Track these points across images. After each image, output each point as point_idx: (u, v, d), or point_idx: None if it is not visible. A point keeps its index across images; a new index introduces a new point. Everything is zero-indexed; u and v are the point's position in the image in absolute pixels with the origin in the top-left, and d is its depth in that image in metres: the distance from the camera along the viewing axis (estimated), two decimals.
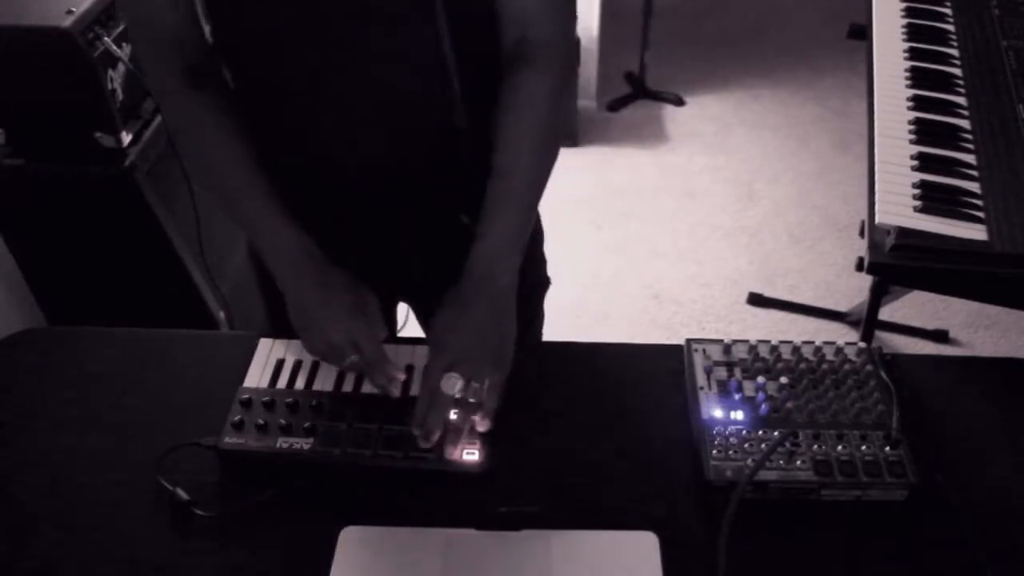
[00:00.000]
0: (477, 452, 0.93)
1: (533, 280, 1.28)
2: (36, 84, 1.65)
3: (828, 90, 3.56)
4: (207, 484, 0.93)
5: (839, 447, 0.92)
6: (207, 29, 1.00)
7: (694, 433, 0.96)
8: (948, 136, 1.37)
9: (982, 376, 1.08)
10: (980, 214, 1.22)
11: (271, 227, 1.00)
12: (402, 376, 0.99)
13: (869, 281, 1.75)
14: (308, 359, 1.04)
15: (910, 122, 1.40)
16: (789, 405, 0.96)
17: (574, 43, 1.06)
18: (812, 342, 1.03)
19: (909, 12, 1.68)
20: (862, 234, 1.27)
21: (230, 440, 0.94)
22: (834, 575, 0.86)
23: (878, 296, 1.76)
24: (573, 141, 3.26)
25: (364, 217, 1.11)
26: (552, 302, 1.33)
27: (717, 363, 1.02)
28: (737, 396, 0.97)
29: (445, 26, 0.92)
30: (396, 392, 0.98)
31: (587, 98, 3.37)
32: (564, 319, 2.48)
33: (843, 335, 2.50)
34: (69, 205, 1.83)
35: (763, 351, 1.03)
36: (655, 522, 0.88)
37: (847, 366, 1.01)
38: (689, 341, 1.05)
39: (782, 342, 1.04)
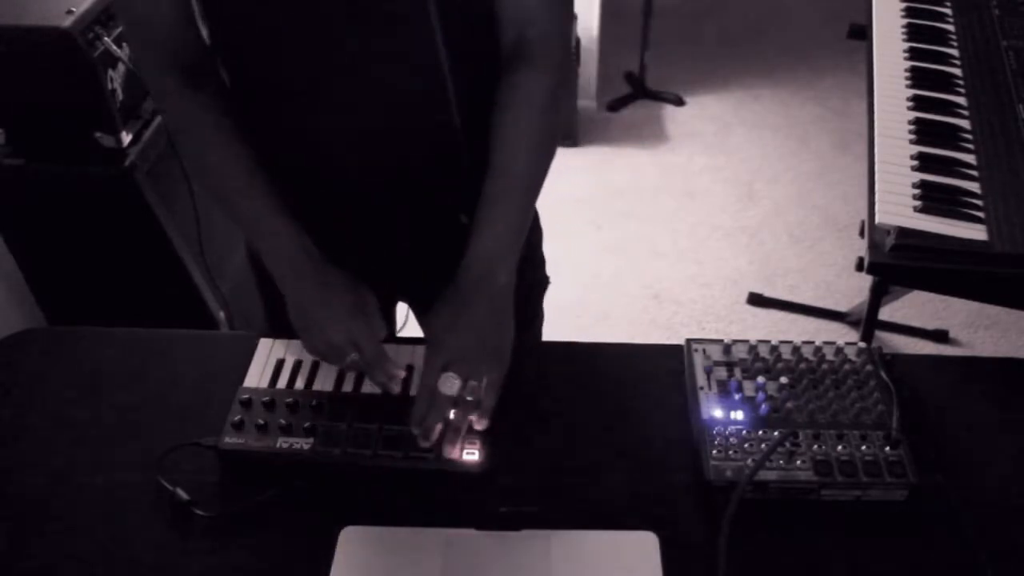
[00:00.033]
0: (477, 452, 0.93)
1: (532, 280, 1.28)
2: (36, 84, 1.65)
3: (828, 90, 3.56)
4: (207, 484, 0.93)
5: (839, 447, 0.92)
6: (204, 31, 1.00)
7: (694, 433, 0.96)
8: (948, 136, 1.37)
9: (982, 376, 1.08)
10: (980, 214, 1.22)
11: (270, 227, 1.00)
12: (402, 374, 0.99)
13: (869, 281, 1.75)
14: (308, 359, 1.04)
15: (910, 122, 1.40)
16: (789, 405, 0.96)
17: (571, 42, 1.06)
18: (812, 342, 1.03)
19: (909, 12, 1.68)
20: (862, 234, 1.27)
21: (230, 440, 0.94)
22: (834, 575, 0.86)
23: (878, 296, 1.76)
24: (573, 141, 3.26)
25: (363, 217, 1.11)
26: (552, 302, 1.33)
27: (717, 363, 1.02)
28: (737, 396, 0.97)
29: (438, 25, 0.92)
30: (397, 390, 0.98)
31: (587, 98, 3.37)
32: (564, 319, 2.48)
33: (843, 335, 2.50)
34: (69, 205, 1.83)
35: (763, 351, 1.03)
36: (655, 522, 0.88)
37: (847, 366, 1.01)
38: (689, 341, 1.05)
39: (782, 342, 1.04)
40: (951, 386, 1.05)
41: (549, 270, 1.31)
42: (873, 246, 1.23)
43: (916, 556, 0.87)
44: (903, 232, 1.20)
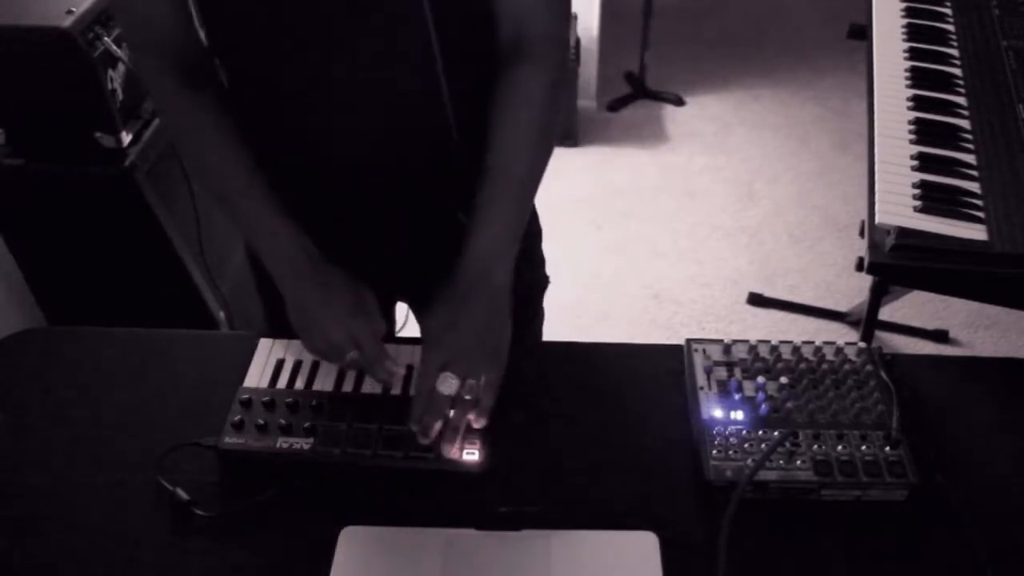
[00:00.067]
0: (477, 452, 0.93)
1: (532, 279, 1.29)
2: (36, 84, 1.65)
3: (828, 90, 3.56)
4: (207, 484, 0.93)
5: (839, 447, 0.92)
6: (202, 32, 1.00)
7: (694, 433, 0.96)
8: (948, 136, 1.37)
9: (982, 376, 1.08)
10: (980, 214, 1.22)
11: (269, 227, 1.00)
12: (402, 371, 0.99)
13: (869, 281, 1.75)
14: (308, 359, 1.04)
15: (910, 122, 1.40)
16: (789, 405, 0.96)
17: (569, 39, 1.05)
18: (812, 342, 1.03)
19: (909, 12, 1.68)
20: (862, 234, 1.27)
21: (230, 440, 0.94)
22: (834, 575, 0.86)
23: (878, 296, 1.76)
24: (573, 141, 3.26)
25: (363, 217, 1.11)
26: (552, 302, 1.33)
27: (717, 363, 1.02)
28: (737, 396, 0.97)
29: (433, 25, 0.92)
30: (397, 388, 0.98)
31: (587, 98, 3.37)
32: (564, 319, 2.48)
33: (843, 335, 2.50)
34: (69, 205, 1.83)
35: (763, 351, 1.03)
36: (655, 522, 0.88)
37: (847, 366, 1.01)
38: (689, 341, 1.05)
39: (782, 342, 1.04)
40: (951, 386, 1.05)
41: (549, 270, 1.31)
42: (873, 246, 1.23)
43: (916, 556, 0.87)
44: (903, 232, 1.20)
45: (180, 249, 1.86)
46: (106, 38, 1.63)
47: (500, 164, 1.00)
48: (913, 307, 2.54)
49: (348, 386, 1.01)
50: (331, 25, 0.93)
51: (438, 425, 0.91)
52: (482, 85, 1.01)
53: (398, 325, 1.34)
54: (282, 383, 1.02)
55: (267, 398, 0.98)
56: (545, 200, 1.21)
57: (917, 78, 1.50)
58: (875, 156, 1.35)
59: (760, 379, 0.99)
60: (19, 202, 1.85)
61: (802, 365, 1.01)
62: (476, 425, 0.93)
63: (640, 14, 3.34)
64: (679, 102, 3.50)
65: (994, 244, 1.17)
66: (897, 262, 1.20)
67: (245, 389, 1.00)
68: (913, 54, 1.56)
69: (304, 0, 0.91)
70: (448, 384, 0.91)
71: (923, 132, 1.38)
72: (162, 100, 1.05)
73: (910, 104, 1.44)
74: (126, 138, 1.73)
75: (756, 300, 2.61)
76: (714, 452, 0.92)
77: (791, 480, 0.89)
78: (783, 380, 0.98)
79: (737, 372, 1.00)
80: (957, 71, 1.51)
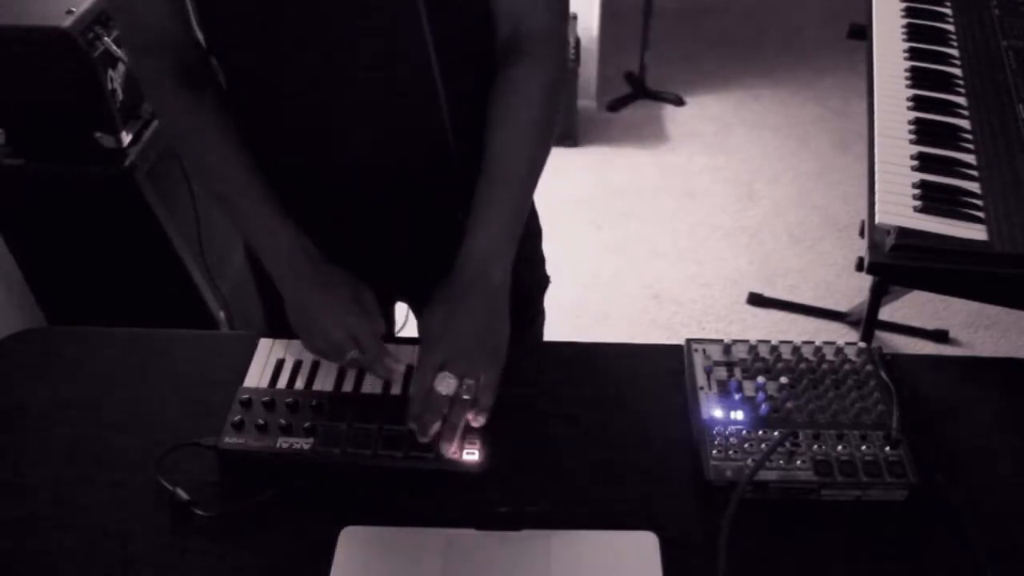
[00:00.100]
0: (477, 452, 0.93)
1: (532, 279, 1.29)
2: (36, 84, 1.66)
3: (828, 90, 3.56)
4: (207, 484, 0.93)
5: (839, 447, 0.92)
6: (200, 33, 1.00)
7: (694, 433, 0.96)
8: (948, 136, 1.37)
9: (982, 376, 1.08)
10: (980, 214, 1.22)
11: (269, 227, 1.00)
12: (403, 369, 0.99)
13: (869, 281, 1.75)
14: (308, 359, 1.04)
15: (910, 122, 1.40)
16: (789, 405, 0.96)
17: (567, 37, 1.05)
18: (812, 342, 1.03)
19: (909, 12, 1.68)
20: (862, 234, 1.27)
21: (230, 440, 0.94)
22: (834, 575, 0.86)
23: (878, 296, 1.76)
24: (573, 141, 3.26)
25: (362, 217, 1.11)
26: (552, 302, 1.33)
27: (717, 363, 1.02)
28: (737, 396, 0.97)
29: (428, 26, 0.92)
30: (398, 387, 0.98)
31: (587, 98, 3.38)
32: (564, 319, 2.48)
33: (843, 335, 2.50)
34: (69, 205, 1.83)
35: (763, 351, 1.03)
36: (655, 522, 0.88)
37: (847, 366, 1.01)
38: (689, 341, 1.05)
39: (782, 342, 1.03)
40: (951, 386, 1.05)
41: (549, 270, 1.31)
42: (873, 246, 1.23)
43: (916, 556, 0.87)
44: (903, 232, 1.20)
45: (180, 249, 1.86)
46: (106, 38, 1.63)
47: (498, 163, 0.99)
48: (913, 307, 2.54)
49: (348, 386, 1.01)
50: (328, 25, 0.93)
51: (437, 424, 0.91)
52: (479, 85, 1.01)
53: (398, 325, 1.34)
54: (282, 383, 1.02)
55: (267, 398, 0.98)
56: (545, 200, 1.21)
57: (917, 78, 1.50)
58: (875, 156, 1.35)
59: (760, 379, 0.99)
60: (19, 202, 1.85)
61: (802, 365, 1.01)
62: (475, 424, 0.93)
63: (640, 14, 3.34)
64: (679, 102, 3.50)
65: (994, 244, 1.17)
66: (897, 262, 1.20)
67: (245, 389, 1.00)
68: (913, 54, 1.56)
69: (301, 1, 0.91)
70: (446, 384, 0.91)
71: (923, 132, 1.38)
72: (161, 101, 1.05)
73: (910, 104, 1.44)
74: (126, 138, 1.73)
75: (756, 300, 2.61)
76: (714, 452, 0.92)
77: (791, 480, 0.89)
78: (783, 380, 0.98)
79: (737, 372, 1.00)
80: (957, 71, 1.52)
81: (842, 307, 2.57)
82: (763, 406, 0.96)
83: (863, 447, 0.92)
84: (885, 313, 2.37)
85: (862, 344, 1.03)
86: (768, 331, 2.52)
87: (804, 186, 3.08)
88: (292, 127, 1.03)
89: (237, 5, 0.93)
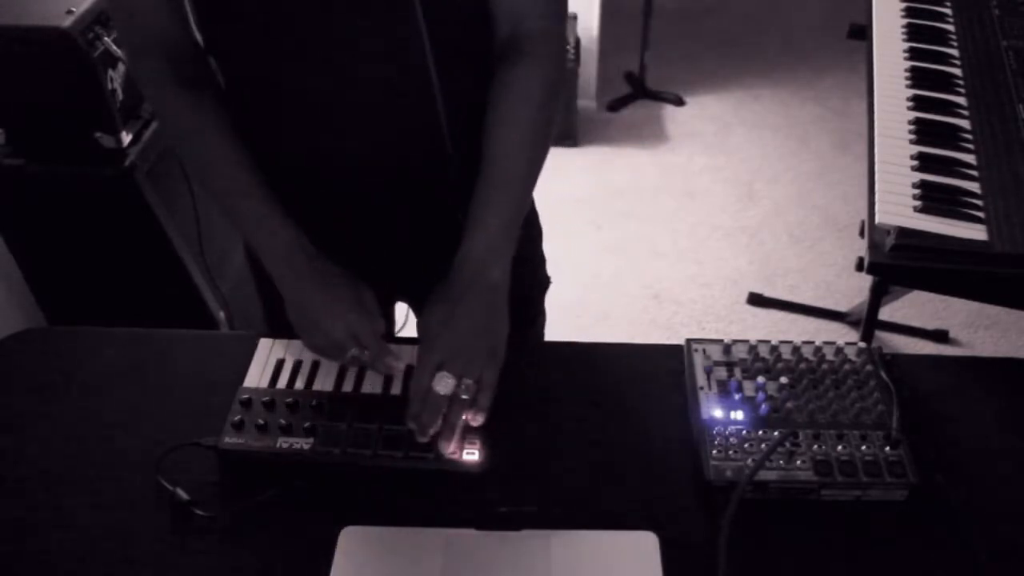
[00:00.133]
0: (477, 452, 0.93)
1: (532, 279, 1.29)
2: (36, 84, 1.66)
3: (828, 90, 3.56)
4: (207, 484, 0.93)
5: (839, 447, 0.92)
6: (198, 34, 1.00)
7: (694, 433, 0.96)
8: (948, 136, 1.37)
9: (982, 376, 1.08)
10: (980, 214, 1.22)
11: (268, 227, 1.00)
12: (403, 366, 0.99)
13: (869, 281, 1.75)
14: (308, 359, 1.04)
15: (910, 122, 1.40)
16: (789, 405, 0.96)
17: (566, 36, 1.05)
18: (812, 342, 1.03)
19: (909, 12, 1.68)
20: (862, 234, 1.27)
21: (230, 440, 0.94)
22: (834, 575, 0.86)
23: (878, 296, 1.76)
24: (573, 141, 3.26)
25: (363, 217, 1.11)
26: (552, 302, 1.33)
27: (717, 363, 1.02)
28: (737, 396, 0.97)
29: (424, 26, 0.92)
30: (398, 387, 0.98)
31: (587, 98, 3.38)
32: (564, 319, 2.48)
33: (843, 335, 2.50)
34: (69, 205, 1.83)
35: (763, 351, 1.03)
36: (655, 522, 0.88)
37: (847, 366, 1.01)
38: (689, 341, 1.05)
39: (782, 342, 1.04)
40: (951, 386, 1.05)
41: (549, 270, 1.31)
42: (873, 246, 1.23)
43: (916, 556, 0.87)
44: (903, 232, 1.20)
45: (180, 249, 1.86)
46: (106, 38, 1.63)
47: (497, 163, 0.99)
48: (913, 307, 2.54)
49: (348, 386, 1.01)
50: (326, 26, 0.93)
51: (436, 424, 0.91)
52: (476, 85, 1.01)
53: (398, 325, 1.34)
54: (282, 383, 1.02)
55: (267, 398, 0.98)
56: (545, 200, 1.21)
57: (917, 78, 1.50)
58: (875, 156, 1.35)
59: (760, 379, 0.99)
60: (19, 202, 1.85)
61: (802, 365, 1.01)
62: (474, 424, 0.93)
63: (640, 14, 3.34)
64: (679, 102, 3.50)
65: (994, 244, 1.17)
66: (897, 262, 1.20)
67: (245, 389, 1.00)
68: (913, 54, 1.56)
69: (300, 1, 0.91)
70: (444, 383, 0.91)
71: (923, 132, 1.38)
72: (161, 101, 1.04)
73: (910, 104, 1.44)
74: (126, 138, 1.73)
75: (756, 300, 2.61)
76: (714, 452, 0.92)
77: (791, 480, 0.89)
78: (783, 380, 0.98)
79: (737, 372, 1.00)
80: (957, 71, 1.52)
81: (842, 307, 2.57)
82: (763, 406, 0.96)
83: (863, 447, 0.92)
84: (885, 313, 2.37)
85: (862, 344, 1.03)
86: (768, 331, 2.52)
87: (804, 186, 3.08)
88: (290, 127, 1.03)
89: (235, 6, 0.93)
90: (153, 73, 1.00)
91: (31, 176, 1.77)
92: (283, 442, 0.93)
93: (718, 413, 0.96)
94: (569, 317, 2.53)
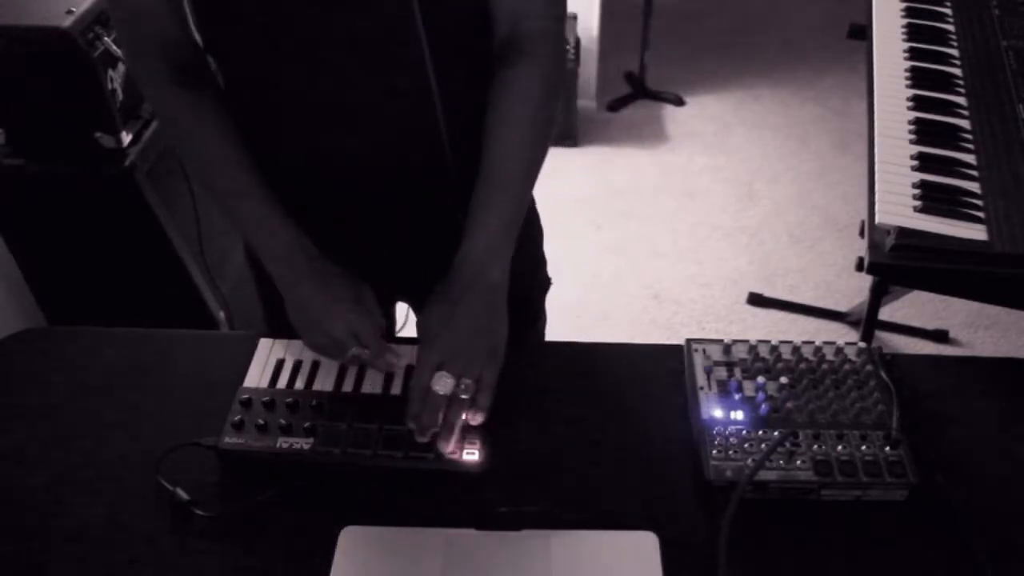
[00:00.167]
0: (477, 452, 0.93)
1: (533, 280, 1.29)
2: (36, 84, 1.66)
3: (828, 90, 3.56)
4: (207, 484, 0.93)
5: (839, 447, 0.92)
6: (198, 35, 1.00)
7: (694, 433, 0.96)
8: (948, 136, 1.37)
9: (982, 376, 1.08)
10: (980, 214, 1.22)
11: (268, 227, 1.00)
12: (403, 364, 0.99)
13: (869, 281, 1.75)
14: (308, 359, 1.04)
15: (910, 122, 1.40)
16: (789, 405, 0.96)
17: (565, 35, 1.05)
18: (812, 342, 1.03)
19: (909, 12, 1.68)
20: (862, 234, 1.27)
21: (230, 440, 0.94)
22: (834, 575, 0.86)
23: (878, 296, 1.76)
24: (573, 141, 3.26)
25: (363, 217, 1.11)
26: (552, 302, 1.33)
27: (717, 363, 1.02)
28: (737, 396, 0.97)
29: (421, 24, 0.92)
30: (398, 387, 0.99)
31: (587, 98, 3.37)
32: (564, 319, 2.48)
33: (843, 335, 2.50)
34: (69, 205, 1.83)
35: (763, 351, 1.03)
36: (655, 522, 0.88)
37: (847, 366, 1.01)
38: (689, 341, 1.05)
39: (782, 342, 1.04)
40: (951, 386, 1.05)
41: (549, 270, 1.31)
42: (873, 246, 1.23)
43: (916, 556, 0.87)
44: (903, 232, 1.20)
45: (180, 249, 1.86)
46: (106, 38, 1.63)
47: (496, 163, 1.00)
48: (913, 307, 2.54)
49: (348, 386, 1.01)
50: (325, 26, 0.93)
51: (435, 424, 0.91)
52: (475, 85, 1.01)
53: (398, 325, 1.34)
54: (282, 383, 1.02)
55: (267, 398, 0.98)
56: (545, 200, 1.21)
57: (917, 78, 1.50)
58: (875, 156, 1.35)
59: (760, 379, 0.99)
60: (19, 202, 1.85)
61: (802, 365, 1.01)
62: (473, 423, 0.93)
63: (640, 14, 3.34)
64: (679, 102, 3.50)
65: (994, 244, 1.17)
66: (897, 262, 1.20)
67: (245, 389, 1.00)
68: (913, 54, 1.56)
69: (299, 2, 0.91)
70: (443, 383, 0.91)
71: (923, 132, 1.38)
72: (160, 101, 1.04)
73: (910, 104, 1.44)
74: (126, 138, 1.73)
75: (756, 300, 2.61)
76: (714, 452, 0.92)
77: (791, 480, 0.89)
78: (783, 380, 0.98)
79: (737, 372, 1.00)
80: (957, 71, 1.52)
81: (842, 307, 2.57)
82: (763, 406, 0.96)
83: (863, 447, 0.92)
84: (885, 313, 2.37)
85: (862, 344, 1.03)
86: (768, 331, 2.52)
87: (804, 186, 3.08)
88: (290, 127, 1.03)
89: (235, 6, 0.93)
90: (153, 73, 1.00)
91: (31, 176, 1.77)
92: (283, 442, 0.93)
93: (718, 413, 0.96)
94: (569, 317, 2.53)
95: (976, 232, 1.19)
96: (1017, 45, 1.53)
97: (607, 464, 0.96)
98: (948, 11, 1.67)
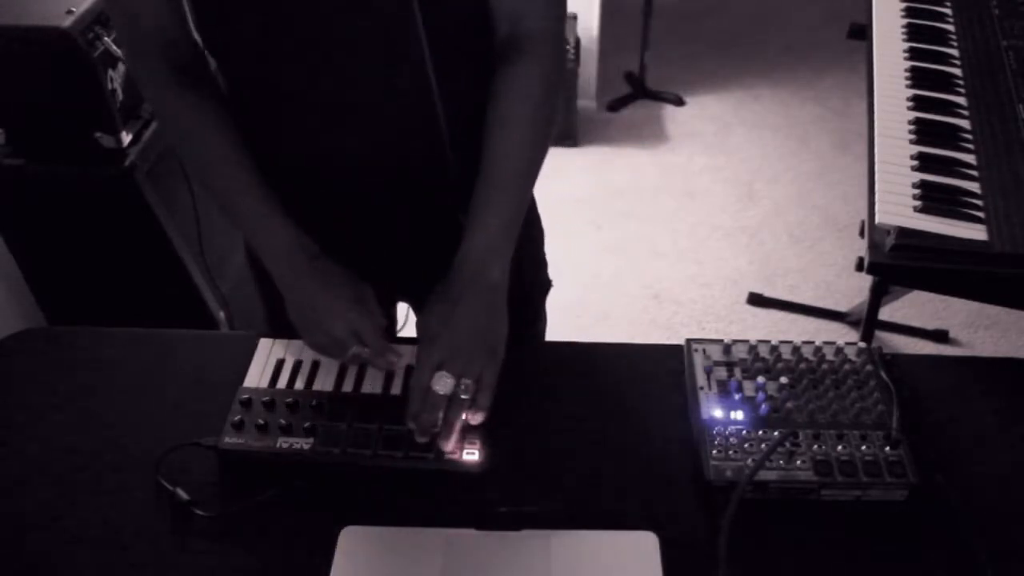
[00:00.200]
0: (477, 452, 0.93)
1: (534, 281, 1.28)
2: (36, 84, 1.66)
3: (828, 90, 3.56)
4: (207, 484, 0.93)
5: (839, 447, 0.92)
6: (197, 35, 1.00)
7: (694, 433, 0.96)
8: (948, 136, 1.37)
9: (982, 376, 1.08)
10: (980, 214, 1.22)
11: (269, 226, 1.00)
12: (404, 364, 0.99)
13: (869, 281, 1.75)
14: (308, 359, 1.04)
15: (910, 122, 1.40)
16: (789, 405, 0.96)
17: (565, 35, 1.05)
18: (812, 342, 1.03)
19: (909, 12, 1.68)
20: (862, 234, 1.27)
21: (230, 440, 0.94)
22: (834, 575, 0.86)
23: (878, 296, 1.76)
24: (573, 141, 3.26)
25: (363, 217, 1.12)
26: (552, 302, 1.33)
27: (717, 363, 1.02)
28: (737, 396, 0.97)
29: (421, 23, 0.92)
30: (398, 387, 0.99)
31: (587, 98, 3.37)
32: (564, 319, 2.48)
33: (843, 335, 2.50)
34: (69, 205, 1.83)
35: (763, 351, 1.03)
36: (655, 522, 0.88)
37: (847, 366, 1.01)
38: (689, 341, 1.05)
39: (782, 342, 1.04)
40: (951, 386, 1.05)
41: (549, 270, 1.31)
42: (873, 246, 1.23)
43: (916, 556, 0.87)
44: (903, 232, 1.20)
45: (180, 249, 1.86)
46: (106, 38, 1.63)
47: (496, 163, 1.00)
48: (913, 307, 2.54)
49: (348, 386, 1.01)
50: (325, 26, 0.93)
51: (435, 424, 0.91)
52: (475, 84, 1.01)
53: (398, 325, 1.34)
54: (282, 383, 1.02)
55: (267, 398, 0.98)
56: (545, 200, 1.21)
57: (917, 78, 1.50)
58: (875, 156, 1.35)
59: (760, 379, 0.99)
60: (19, 202, 1.85)
61: (802, 365, 1.01)
62: (473, 423, 0.93)
63: (640, 14, 3.34)
64: (679, 102, 3.50)
65: (994, 244, 1.17)
66: (897, 262, 1.20)
67: (245, 389, 1.00)
68: (913, 54, 1.56)
69: (299, 2, 0.91)
70: (443, 383, 0.91)
71: (923, 132, 1.38)
72: (160, 101, 1.04)
73: (910, 104, 1.44)
74: (126, 138, 1.73)
75: (756, 300, 2.61)
76: (714, 452, 0.92)
77: (791, 480, 0.89)
78: (783, 380, 0.98)
79: (737, 372, 1.00)
80: (957, 71, 1.52)
81: (842, 307, 2.57)
82: (763, 406, 0.96)
83: (863, 447, 0.92)
84: (885, 313, 2.37)
85: (862, 344, 1.03)
86: (768, 331, 2.52)
87: (804, 186, 3.08)
88: (290, 127, 1.03)
89: (235, 7, 0.93)
90: (153, 73, 1.00)
91: (31, 176, 1.77)
92: (283, 442, 0.93)
93: (718, 413, 0.96)
94: (569, 317, 2.53)
95: (976, 232, 1.19)
96: (1017, 45, 1.53)
97: (607, 464, 0.96)
98: (948, 11, 1.67)
